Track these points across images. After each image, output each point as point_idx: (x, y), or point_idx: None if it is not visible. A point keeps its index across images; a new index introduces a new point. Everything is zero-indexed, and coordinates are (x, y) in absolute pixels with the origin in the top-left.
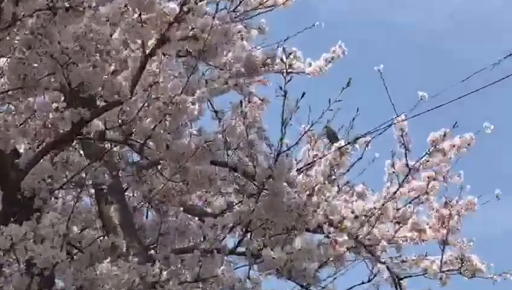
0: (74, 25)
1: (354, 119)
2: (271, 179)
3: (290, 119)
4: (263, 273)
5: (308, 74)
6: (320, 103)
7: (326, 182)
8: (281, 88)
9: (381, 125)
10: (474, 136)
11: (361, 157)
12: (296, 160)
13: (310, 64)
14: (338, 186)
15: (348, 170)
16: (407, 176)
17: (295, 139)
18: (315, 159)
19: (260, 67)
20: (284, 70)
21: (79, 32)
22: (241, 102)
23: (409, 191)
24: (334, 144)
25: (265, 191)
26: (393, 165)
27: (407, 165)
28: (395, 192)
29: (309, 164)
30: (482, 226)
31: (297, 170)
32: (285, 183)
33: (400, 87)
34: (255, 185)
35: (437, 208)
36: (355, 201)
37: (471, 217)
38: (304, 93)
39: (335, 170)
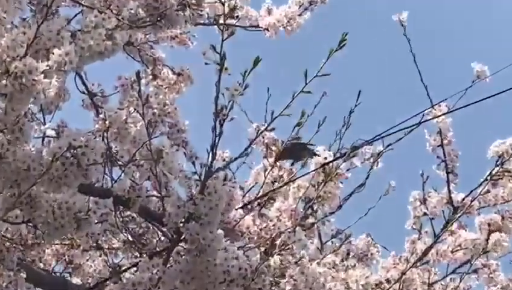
0: None
1: (351, 112)
2: (193, 223)
3: (230, 110)
4: None
5: (265, 29)
6: (288, 82)
7: (298, 229)
8: (214, 49)
9: (401, 124)
10: None
11: (363, 185)
12: (241, 188)
13: (270, 12)
14: (320, 238)
15: (340, 207)
16: (449, 222)
17: (241, 149)
18: (278, 185)
19: (176, 12)
20: (221, 18)
21: None
22: (138, 75)
23: (452, 251)
24: (312, 159)
25: (181, 245)
26: (424, 201)
27: (450, 201)
28: (427, 251)
29: (266, 194)
30: None
31: (243, 206)
32: (220, 231)
33: (437, 63)
34: (163, 233)
35: (503, 284)
36: (352, 267)
37: None
38: (257, 60)
39: (315, 208)
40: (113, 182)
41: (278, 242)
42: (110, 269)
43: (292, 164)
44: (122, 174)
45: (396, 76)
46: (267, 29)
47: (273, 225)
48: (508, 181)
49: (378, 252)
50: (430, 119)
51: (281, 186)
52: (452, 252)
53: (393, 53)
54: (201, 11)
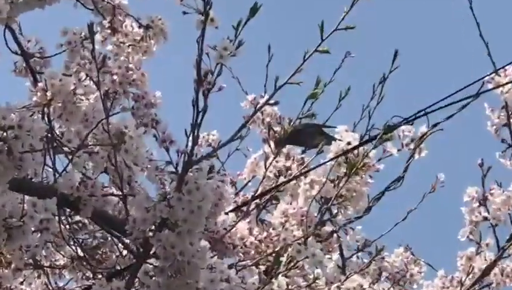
0: None
1: (384, 80)
2: (167, 232)
3: (218, 76)
4: None
5: None
6: (298, 38)
7: (311, 239)
8: None
9: (453, 96)
10: None
11: (401, 179)
12: (233, 183)
13: None
14: (341, 252)
15: (369, 210)
16: None
17: (233, 130)
18: (284, 180)
19: None
20: None
21: None
22: (91, 29)
23: None
24: (330, 145)
25: (151, 262)
26: (484, 202)
27: None
28: (489, 270)
29: (268, 192)
30: None
31: (236, 208)
32: (204, 243)
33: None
34: (125, 246)
35: None
36: None
37: None
38: (255, 9)
39: (334, 211)
40: (57, 175)
41: (283, 258)
42: None
43: (303, 152)
44: (70, 165)
45: (446, 31)
46: None
47: (277, 235)
48: None
49: (421, 272)
50: (492, 88)
51: (287, 182)
52: None
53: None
54: None
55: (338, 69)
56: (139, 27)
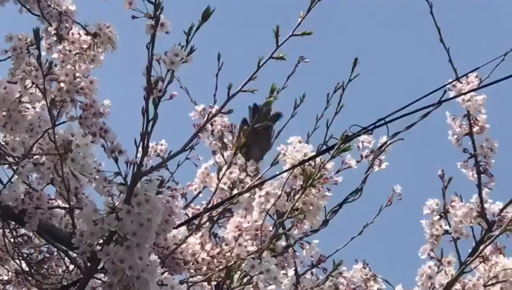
0: None
1: (342, 89)
2: (116, 246)
3: (169, 84)
4: None
5: None
6: (251, 44)
7: (266, 254)
8: None
9: (413, 105)
10: None
11: (359, 191)
12: (184, 195)
13: None
14: (296, 270)
15: (326, 224)
16: (481, 244)
17: (180, 139)
18: (237, 192)
19: None
20: None
21: None
22: (37, 35)
23: (485, 285)
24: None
25: (99, 277)
26: (445, 215)
27: (482, 213)
28: (450, 286)
29: (220, 204)
30: None
31: (187, 221)
32: (154, 258)
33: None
34: (71, 260)
35: None
36: None
37: None
38: (207, 13)
39: (287, 225)
40: (2, 187)
41: (236, 274)
42: None
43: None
44: (14, 176)
45: (407, 38)
46: None
47: (230, 250)
48: None
49: (381, 289)
50: (453, 97)
51: (241, 193)
52: (485, 286)
53: (403, 7)
54: None
55: (291, 75)
56: (87, 34)
